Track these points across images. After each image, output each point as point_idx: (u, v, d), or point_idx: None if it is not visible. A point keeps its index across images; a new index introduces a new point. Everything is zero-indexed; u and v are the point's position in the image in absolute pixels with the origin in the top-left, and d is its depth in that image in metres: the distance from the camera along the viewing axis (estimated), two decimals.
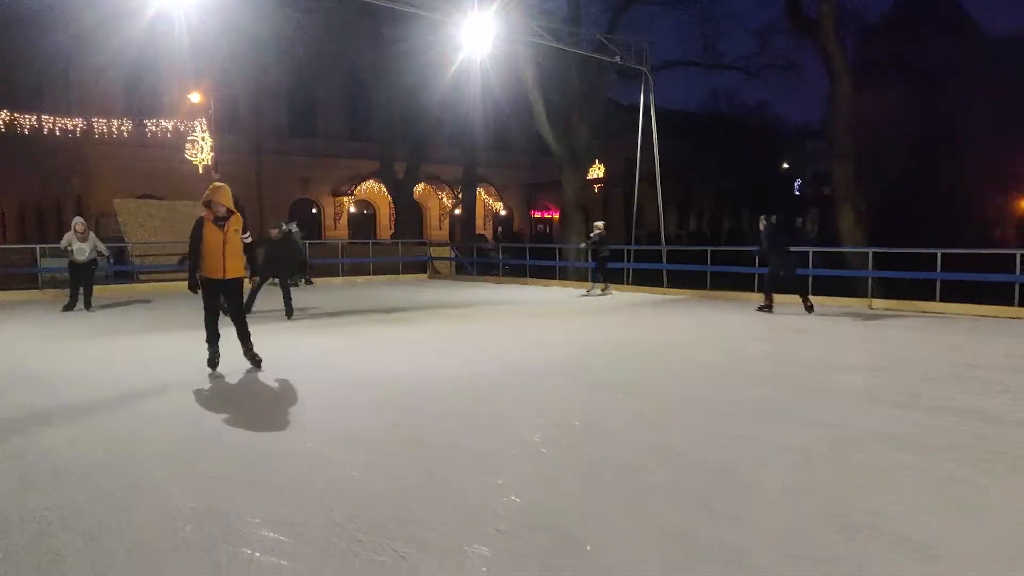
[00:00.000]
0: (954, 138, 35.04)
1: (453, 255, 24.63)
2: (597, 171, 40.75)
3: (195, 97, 27.40)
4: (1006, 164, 34.54)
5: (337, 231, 36.56)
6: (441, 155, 34.15)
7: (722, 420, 5.58)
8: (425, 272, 23.76)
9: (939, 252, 13.73)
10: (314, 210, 37.03)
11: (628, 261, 19.50)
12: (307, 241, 20.79)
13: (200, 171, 27.78)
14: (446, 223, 40.14)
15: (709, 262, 17.35)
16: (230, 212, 7.01)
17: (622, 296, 17.28)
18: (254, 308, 11.59)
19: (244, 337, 7.47)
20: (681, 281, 18.05)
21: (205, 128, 28.22)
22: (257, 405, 6.36)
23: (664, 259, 19.23)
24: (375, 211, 38.98)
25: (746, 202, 50.63)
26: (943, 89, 36.64)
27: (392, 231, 33.16)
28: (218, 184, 7.12)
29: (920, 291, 14.07)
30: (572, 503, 3.82)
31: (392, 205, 32.09)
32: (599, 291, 17.34)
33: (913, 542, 3.32)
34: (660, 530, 3.47)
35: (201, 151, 28.21)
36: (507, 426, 5.41)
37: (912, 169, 35.57)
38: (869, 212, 35.65)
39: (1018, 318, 12.22)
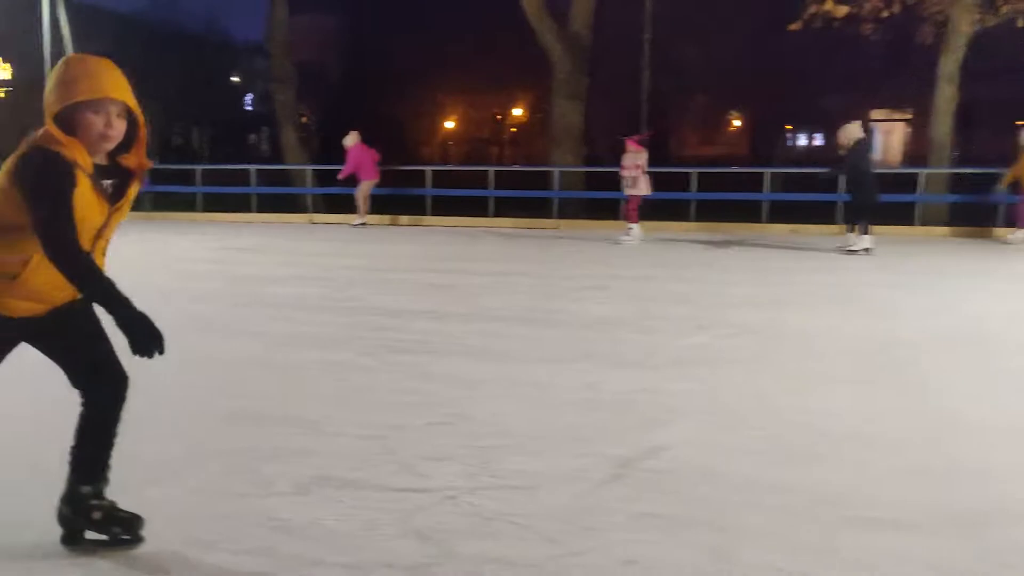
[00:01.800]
0: (383, 70, 38.62)
1: None
2: (3, 71, 34.30)
3: None
4: (433, 93, 39.65)
5: None
6: None
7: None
8: None
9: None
10: None
11: None
12: None
13: None
14: None
15: (150, 182, 16.53)
16: (134, 131, 2.63)
17: None
18: None
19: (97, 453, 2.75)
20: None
21: None
22: None
23: None
24: None
25: (194, 117, 48.63)
26: (373, 23, 40.06)
27: None
28: (86, 58, 2.56)
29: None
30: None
31: None
32: None
33: (302, 420, 4.05)
34: None
35: None
36: None
37: (349, 94, 38.66)
38: (315, 129, 37.86)
39: (422, 225, 14.74)
